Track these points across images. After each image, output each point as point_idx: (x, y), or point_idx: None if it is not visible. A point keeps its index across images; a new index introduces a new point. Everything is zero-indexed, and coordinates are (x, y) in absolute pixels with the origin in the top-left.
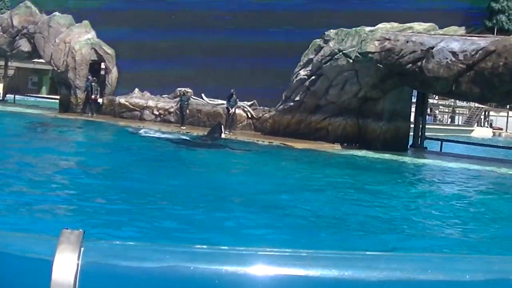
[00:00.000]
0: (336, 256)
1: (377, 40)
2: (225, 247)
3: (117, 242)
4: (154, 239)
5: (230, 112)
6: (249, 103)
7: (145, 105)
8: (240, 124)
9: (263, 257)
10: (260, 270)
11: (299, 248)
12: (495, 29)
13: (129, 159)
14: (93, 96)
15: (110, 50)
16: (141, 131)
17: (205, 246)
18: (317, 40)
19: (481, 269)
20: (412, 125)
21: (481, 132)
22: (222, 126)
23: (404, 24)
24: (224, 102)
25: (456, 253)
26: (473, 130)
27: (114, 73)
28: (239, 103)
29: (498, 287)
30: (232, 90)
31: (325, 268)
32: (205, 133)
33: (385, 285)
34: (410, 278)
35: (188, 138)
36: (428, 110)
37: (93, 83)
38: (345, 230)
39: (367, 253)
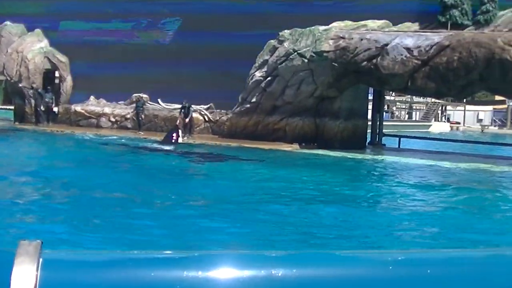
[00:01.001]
0: (299, 255)
1: (332, 39)
2: (186, 251)
3: (77, 251)
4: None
5: (186, 120)
6: (205, 106)
7: (101, 112)
8: (198, 128)
9: (225, 259)
10: (222, 273)
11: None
12: (449, 24)
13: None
14: (43, 107)
15: (63, 58)
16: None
17: (165, 251)
18: (272, 41)
19: (441, 264)
20: (369, 123)
21: (438, 127)
22: (180, 131)
23: (358, 22)
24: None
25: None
26: (430, 125)
27: (68, 81)
28: (194, 107)
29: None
30: (184, 102)
31: (288, 268)
32: (162, 138)
33: (347, 283)
34: (371, 275)
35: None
36: (385, 107)
37: (38, 90)
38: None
39: (330, 252)
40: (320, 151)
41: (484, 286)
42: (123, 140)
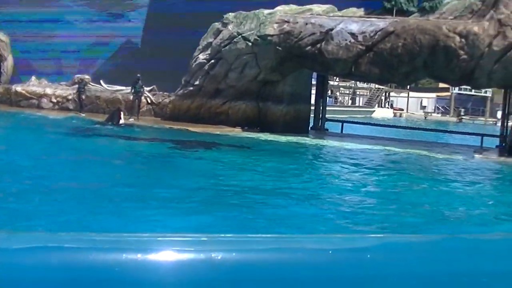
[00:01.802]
0: (235, 239)
1: (276, 23)
2: (125, 234)
3: (9, 231)
4: None
5: (136, 99)
6: (148, 88)
7: (42, 93)
8: (140, 110)
9: (163, 242)
10: (161, 256)
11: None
12: (394, 10)
13: None
14: None
15: (4, 38)
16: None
17: (104, 234)
18: (216, 23)
19: (381, 248)
20: (312, 107)
21: (382, 113)
22: (122, 113)
23: (303, 6)
24: (123, 88)
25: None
26: (374, 111)
27: (9, 61)
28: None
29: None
30: (138, 75)
31: (225, 251)
32: (104, 120)
33: (284, 266)
34: (311, 258)
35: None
36: (329, 92)
37: None
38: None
39: (266, 235)
40: (263, 135)
41: (420, 270)
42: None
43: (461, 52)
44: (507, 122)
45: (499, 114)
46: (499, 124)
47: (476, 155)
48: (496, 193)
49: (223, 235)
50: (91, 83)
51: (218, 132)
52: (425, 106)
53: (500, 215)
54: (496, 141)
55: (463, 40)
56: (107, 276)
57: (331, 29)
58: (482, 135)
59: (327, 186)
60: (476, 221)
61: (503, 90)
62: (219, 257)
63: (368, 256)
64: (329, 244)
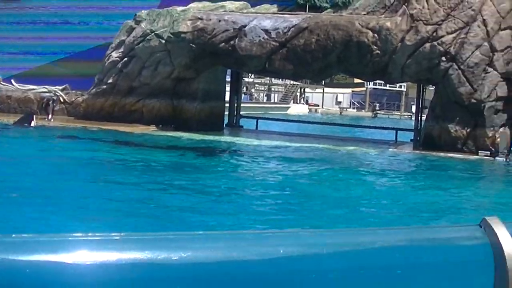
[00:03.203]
0: (149, 238)
1: (189, 20)
2: (35, 234)
3: None
4: None
5: (49, 100)
6: (61, 87)
7: None
8: (54, 110)
9: (78, 243)
10: (72, 256)
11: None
12: (307, 7)
13: None
14: None
15: None
16: None
17: (13, 235)
18: (129, 21)
19: (294, 243)
20: (227, 104)
21: (297, 109)
22: (34, 115)
23: (216, 3)
24: (36, 87)
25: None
26: (289, 107)
27: None
28: (49, 88)
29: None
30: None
31: (138, 250)
32: (15, 122)
33: (200, 265)
34: (224, 255)
35: None
36: (244, 88)
37: None
38: None
39: (181, 233)
40: (177, 133)
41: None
42: None
43: (374, 47)
44: (421, 116)
45: (414, 108)
46: (414, 118)
47: (391, 149)
48: (407, 185)
49: (134, 233)
50: (2, 82)
51: (141, 131)
52: (340, 102)
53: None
54: (411, 135)
55: (376, 35)
56: (17, 280)
57: (245, 26)
58: (397, 129)
59: (240, 181)
60: (388, 213)
61: (416, 84)
62: (131, 257)
63: (281, 251)
64: (242, 241)
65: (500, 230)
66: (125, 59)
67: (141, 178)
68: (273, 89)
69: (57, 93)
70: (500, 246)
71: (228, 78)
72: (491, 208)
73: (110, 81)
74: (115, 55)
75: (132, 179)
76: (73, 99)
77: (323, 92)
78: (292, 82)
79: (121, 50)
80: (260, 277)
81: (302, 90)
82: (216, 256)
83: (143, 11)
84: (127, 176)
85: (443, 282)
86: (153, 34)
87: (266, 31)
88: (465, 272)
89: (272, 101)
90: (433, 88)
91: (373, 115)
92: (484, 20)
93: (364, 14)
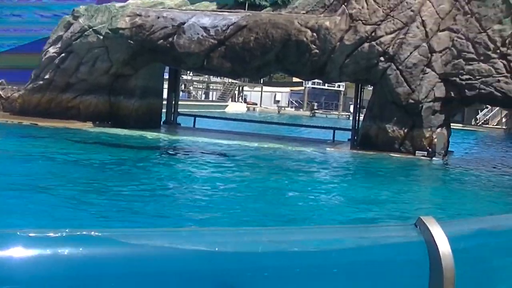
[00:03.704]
0: (85, 235)
1: (128, 16)
2: None
3: None
4: None
5: None
6: None
7: None
8: None
9: (11, 238)
10: (8, 253)
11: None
12: (246, 4)
13: None
14: None
15: None
16: None
17: None
18: (67, 16)
19: (231, 241)
20: (165, 102)
21: (235, 107)
22: None
23: (155, 0)
24: None
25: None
26: (227, 105)
27: None
28: None
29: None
30: None
31: (74, 247)
32: None
33: (136, 262)
34: (161, 252)
35: None
36: (182, 86)
37: None
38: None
39: (116, 230)
40: (113, 130)
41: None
42: None
43: (313, 46)
44: (359, 116)
45: (352, 108)
46: (352, 117)
47: (328, 148)
48: (340, 184)
49: (79, 230)
50: None
51: (78, 127)
52: (278, 101)
53: (341, 209)
54: (349, 134)
55: (315, 34)
56: None
57: (183, 23)
58: (334, 128)
59: (171, 180)
60: (321, 212)
61: (355, 84)
62: (65, 253)
63: (216, 249)
64: (178, 238)
65: (435, 230)
66: (63, 54)
67: (70, 175)
68: (211, 87)
69: None
70: (435, 245)
71: (166, 76)
72: (426, 207)
73: (47, 76)
74: (52, 50)
75: (61, 175)
76: (9, 95)
77: (261, 91)
78: (230, 80)
79: (59, 45)
80: (195, 274)
81: (240, 88)
82: (151, 253)
83: (81, 6)
84: (57, 172)
85: (379, 281)
86: (91, 29)
87: (205, 29)
88: (401, 271)
89: (210, 99)
90: (371, 88)
91: (311, 114)
92: (423, 21)
93: (304, 13)
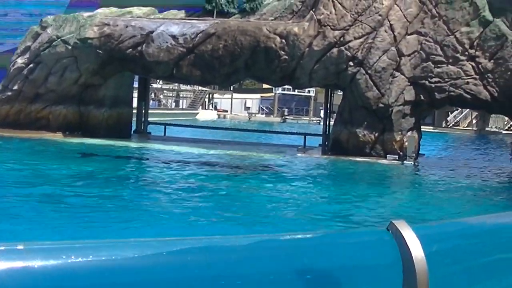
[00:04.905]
0: (54, 247)
1: (96, 26)
2: None
3: None
4: None
5: None
6: None
7: None
8: None
9: None
10: None
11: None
12: (215, 12)
13: None
14: None
15: None
16: None
17: None
18: (35, 26)
19: (202, 250)
20: (135, 111)
21: (206, 115)
22: None
23: (124, 9)
24: None
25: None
26: (198, 113)
27: None
28: None
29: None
30: None
31: (44, 259)
32: None
33: (106, 272)
34: (132, 263)
35: None
36: (152, 95)
37: None
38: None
39: (86, 241)
40: (84, 140)
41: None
42: None
43: (282, 52)
44: (329, 121)
45: (322, 113)
46: (322, 123)
47: (299, 154)
48: (312, 189)
49: (40, 242)
50: None
51: (48, 137)
52: (249, 107)
53: (312, 214)
54: (319, 139)
55: (283, 40)
56: None
57: (152, 32)
58: (305, 134)
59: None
60: (293, 217)
61: (325, 89)
62: (36, 266)
63: (188, 258)
64: (149, 248)
65: (407, 233)
66: (31, 65)
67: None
68: (181, 95)
69: None
70: (407, 249)
71: (135, 84)
72: (397, 211)
73: (15, 87)
74: (20, 61)
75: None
76: None
77: (231, 98)
78: (200, 88)
79: (27, 56)
80: (167, 284)
81: (210, 96)
82: (123, 264)
83: (49, 16)
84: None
85: (353, 285)
86: (59, 40)
87: (174, 37)
88: (375, 276)
89: (181, 107)
90: (341, 93)
91: (282, 120)
92: (391, 25)
93: (272, 20)
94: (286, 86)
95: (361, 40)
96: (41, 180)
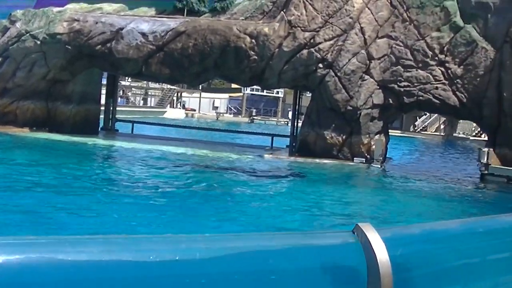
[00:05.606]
0: (17, 242)
1: (66, 21)
2: None
3: None
4: None
5: None
6: None
7: None
8: None
9: None
10: None
11: None
12: (185, 10)
13: None
14: None
15: None
16: None
17: None
18: (3, 20)
19: (168, 248)
20: (103, 108)
21: (173, 113)
22: None
23: (94, 5)
24: None
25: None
26: (165, 111)
27: None
28: None
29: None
30: None
31: (6, 254)
32: None
33: (71, 269)
34: (97, 259)
35: None
36: (120, 92)
37: None
38: None
39: (51, 237)
40: (50, 135)
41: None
42: None
43: (252, 52)
44: (297, 122)
45: (290, 114)
46: (290, 124)
47: (266, 155)
48: (277, 190)
49: (6, 237)
50: None
51: (15, 132)
52: (217, 107)
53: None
54: (287, 141)
55: (253, 40)
56: None
57: (122, 28)
58: (273, 135)
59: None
60: (257, 218)
61: (293, 90)
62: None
63: (151, 257)
64: (115, 246)
65: (372, 236)
66: None
67: None
68: (150, 93)
69: None
70: (372, 252)
71: (104, 81)
72: (363, 214)
73: None
74: None
75: None
76: None
77: (200, 97)
78: (169, 86)
79: None
80: (132, 282)
81: (179, 94)
82: (88, 260)
83: (18, 11)
84: None
85: (317, 287)
86: (28, 34)
87: (143, 34)
88: (339, 278)
89: (149, 105)
90: (310, 95)
91: (250, 121)
92: (361, 28)
93: (242, 19)
94: (255, 87)
95: (331, 42)
96: None
